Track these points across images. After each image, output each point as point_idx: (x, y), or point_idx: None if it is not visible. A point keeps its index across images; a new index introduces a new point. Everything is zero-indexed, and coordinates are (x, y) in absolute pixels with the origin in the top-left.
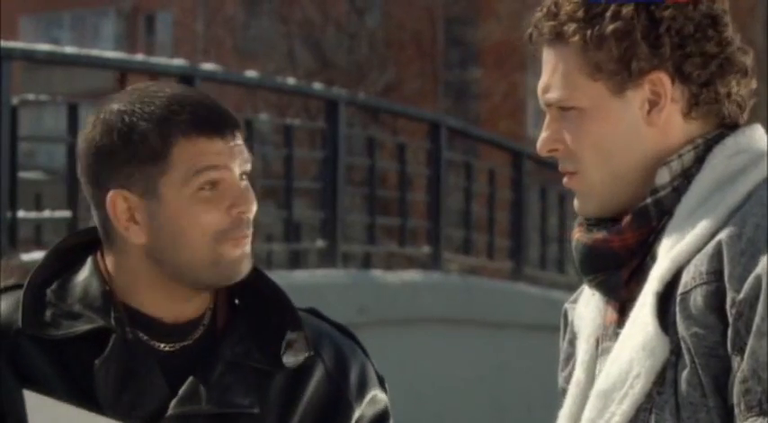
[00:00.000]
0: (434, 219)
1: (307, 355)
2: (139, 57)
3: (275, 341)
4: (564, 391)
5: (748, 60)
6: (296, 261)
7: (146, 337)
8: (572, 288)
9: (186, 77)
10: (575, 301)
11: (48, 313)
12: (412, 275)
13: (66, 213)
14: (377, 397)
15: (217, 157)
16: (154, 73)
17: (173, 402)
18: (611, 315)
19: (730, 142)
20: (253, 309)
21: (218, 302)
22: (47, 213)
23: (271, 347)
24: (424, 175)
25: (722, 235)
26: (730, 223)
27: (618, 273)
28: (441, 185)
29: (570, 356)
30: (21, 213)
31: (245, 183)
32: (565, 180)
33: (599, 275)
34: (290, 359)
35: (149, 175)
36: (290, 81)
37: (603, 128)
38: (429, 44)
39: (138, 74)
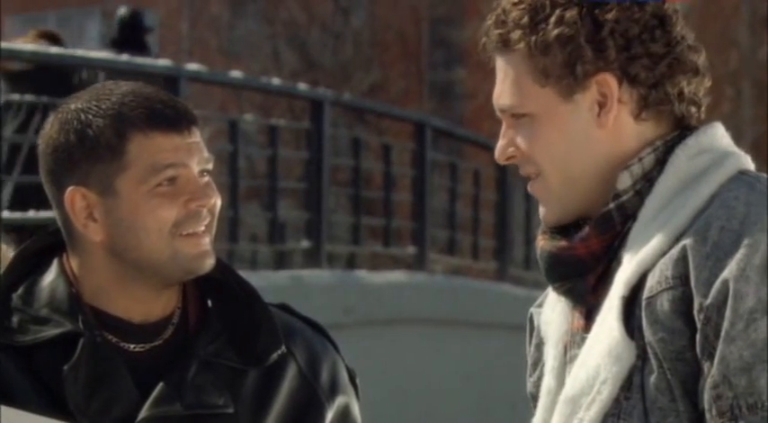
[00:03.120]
0: (419, 219)
1: (279, 352)
2: (125, 57)
3: (248, 339)
4: (533, 396)
5: (700, 59)
6: (281, 261)
7: (115, 339)
8: None
9: (171, 78)
10: (540, 305)
11: (15, 319)
12: (397, 276)
13: (50, 214)
14: (348, 409)
15: (173, 153)
16: (139, 73)
17: (146, 405)
18: (578, 321)
19: (692, 142)
20: (224, 307)
21: (189, 301)
22: (31, 214)
23: (244, 345)
24: (408, 176)
25: (687, 239)
26: (695, 226)
27: (584, 279)
28: (425, 186)
29: (537, 361)
30: (5, 214)
31: (205, 179)
32: (528, 186)
33: (566, 283)
34: (262, 357)
35: (106, 172)
36: (275, 81)
37: (555, 133)
38: (414, 45)
39: (123, 74)
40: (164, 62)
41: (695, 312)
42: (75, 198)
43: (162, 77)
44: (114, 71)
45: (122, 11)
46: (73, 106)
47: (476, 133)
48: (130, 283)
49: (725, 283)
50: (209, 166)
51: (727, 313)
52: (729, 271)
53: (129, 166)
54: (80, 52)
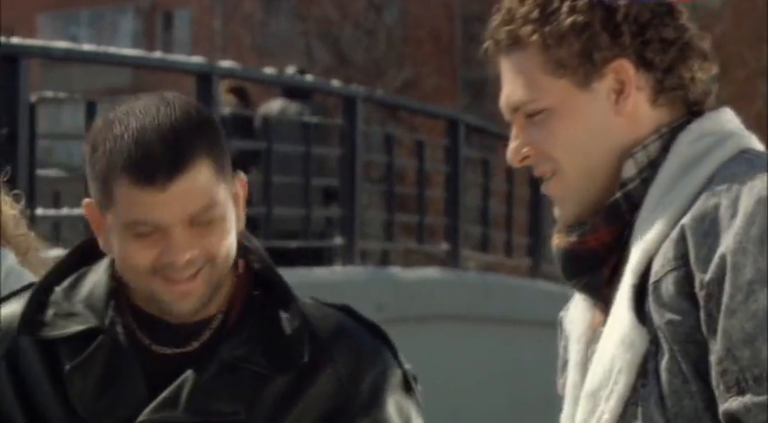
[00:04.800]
0: (452, 216)
1: (306, 360)
2: (157, 54)
3: (281, 344)
4: (562, 397)
5: (706, 45)
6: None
7: (147, 341)
8: None
9: (204, 75)
10: (568, 309)
11: (49, 313)
12: (430, 272)
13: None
14: (402, 405)
15: (144, 209)
16: (172, 70)
17: (147, 408)
18: (598, 317)
19: (694, 127)
20: (265, 310)
21: (234, 303)
22: (65, 211)
23: (274, 350)
24: (441, 172)
25: (685, 219)
26: (693, 206)
27: (599, 272)
28: (459, 182)
29: (566, 363)
30: (39, 211)
31: (199, 227)
32: (543, 187)
33: (582, 278)
34: (290, 363)
35: (102, 201)
36: (308, 78)
37: (574, 124)
38: (447, 41)
39: (156, 71)
40: (197, 59)
41: (697, 290)
42: (91, 210)
43: (195, 74)
44: (147, 68)
45: (290, 69)
46: (100, 121)
47: (509, 130)
48: None
49: (723, 257)
50: (209, 215)
51: (727, 286)
52: (726, 245)
53: (115, 206)
54: (113, 49)
